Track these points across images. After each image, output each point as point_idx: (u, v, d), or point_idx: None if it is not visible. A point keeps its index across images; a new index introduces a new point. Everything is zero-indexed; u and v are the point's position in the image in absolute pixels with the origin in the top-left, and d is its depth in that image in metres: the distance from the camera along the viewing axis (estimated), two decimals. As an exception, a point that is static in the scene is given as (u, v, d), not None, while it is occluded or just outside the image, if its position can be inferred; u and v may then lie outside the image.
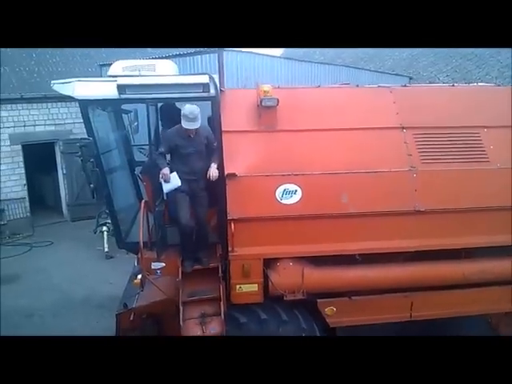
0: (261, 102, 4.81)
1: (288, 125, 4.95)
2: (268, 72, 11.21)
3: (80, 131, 13.59)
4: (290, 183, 4.74)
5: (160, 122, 5.74)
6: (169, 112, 5.49)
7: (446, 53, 17.35)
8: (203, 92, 4.80)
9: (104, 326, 7.45)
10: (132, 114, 6.44)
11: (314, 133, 4.97)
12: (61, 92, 4.76)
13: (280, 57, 13.19)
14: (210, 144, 4.99)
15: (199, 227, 5.09)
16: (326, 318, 5.04)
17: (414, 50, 18.38)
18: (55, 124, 13.17)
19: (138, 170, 6.22)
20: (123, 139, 6.07)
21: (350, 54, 17.76)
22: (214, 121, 4.96)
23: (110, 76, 4.97)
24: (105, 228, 11.34)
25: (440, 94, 5.47)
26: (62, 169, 13.47)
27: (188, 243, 5.07)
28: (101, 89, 4.75)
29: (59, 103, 12.98)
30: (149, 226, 5.03)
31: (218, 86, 4.86)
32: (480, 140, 5.03)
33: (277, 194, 4.72)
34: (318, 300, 5.01)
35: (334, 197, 4.79)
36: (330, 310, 5.03)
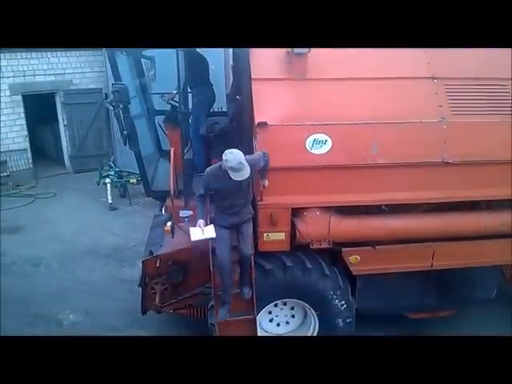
0: (292, 48, 4.70)
1: (319, 73, 4.85)
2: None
3: (80, 81, 13.36)
4: (320, 133, 4.69)
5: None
6: (192, 59, 5.36)
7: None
8: None
9: (109, 274, 7.76)
10: (148, 62, 6.31)
11: (345, 82, 4.90)
12: None
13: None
14: (257, 168, 4.48)
15: (243, 263, 4.68)
16: (349, 266, 5.15)
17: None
18: (55, 74, 12.74)
19: (157, 118, 6.14)
20: (143, 86, 5.95)
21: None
22: (243, 68, 4.85)
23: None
24: (108, 180, 11.38)
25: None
26: (63, 120, 13.22)
27: (225, 284, 4.63)
28: None
29: (59, 52, 12.54)
30: (176, 174, 5.01)
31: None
32: (509, 92, 5.00)
33: (307, 144, 4.69)
34: (343, 249, 5.10)
35: (363, 147, 4.77)
36: (354, 259, 5.13)
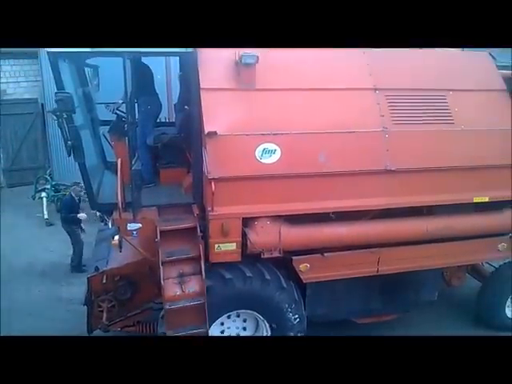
0: (240, 59, 4.74)
1: (267, 84, 4.93)
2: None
3: (14, 91, 12.75)
4: (269, 142, 4.75)
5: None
6: (138, 69, 5.26)
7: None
8: None
9: (46, 293, 7.46)
10: (91, 71, 6.14)
11: (292, 92, 5.00)
12: None
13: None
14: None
15: None
16: (300, 274, 5.20)
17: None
18: (-13, 84, 12.18)
19: (102, 129, 5.97)
20: (87, 96, 5.75)
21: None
22: (191, 78, 4.82)
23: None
24: (44, 194, 10.99)
25: (409, 57, 5.66)
26: (-4, 131, 12.58)
27: None
28: None
29: (-9, 61, 11.99)
30: (123, 186, 4.87)
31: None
32: (446, 102, 5.30)
33: (256, 153, 4.73)
34: (293, 257, 5.15)
35: (311, 156, 4.87)
36: (304, 267, 5.18)
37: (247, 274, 4.92)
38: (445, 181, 5.20)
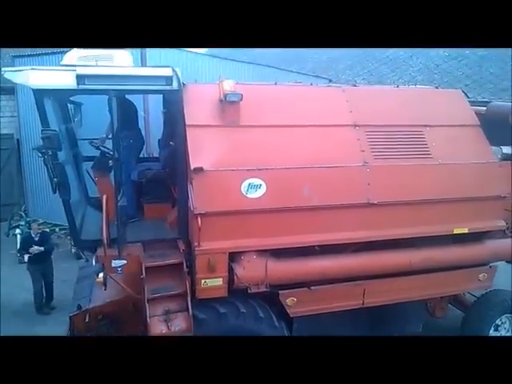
0: (225, 97, 4.85)
1: (251, 120, 5.04)
2: (192, 69, 11.17)
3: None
4: (254, 178, 4.81)
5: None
6: (122, 104, 5.30)
7: (362, 57, 18.41)
8: (166, 85, 4.74)
9: (21, 333, 7.02)
10: (73, 107, 6.15)
11: (276, 129, 5.11)
12: (14, 80, 4.42)
13: (204, 54, 13.10)
14: None
15: None
16: (287, 308, 5.19)
17: (334, 53, 19.25)
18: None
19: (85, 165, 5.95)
20: (69, 132, 5.75)
21: (274, 54, 18.21)
22: (176, 115, 4.89)
23: (65, 65, 4.71)
24: (18, 230, 10.77)
25: (387, 94, 5.89)
26: (-32, 167, 12.34)
27: None
28: (58, 78, 4.48)
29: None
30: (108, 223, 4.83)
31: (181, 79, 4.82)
32: (424, 138, 5.50)
33: (242, 189, 4.78)
34: (280, 291, 5.14)
35: (295, 191, 4.95)
36: (290, 301, 5.19)
37: (221, 311, 4.89)
38: (425, 213, 5.33)
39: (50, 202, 8.46)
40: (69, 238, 10.14)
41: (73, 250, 10.10)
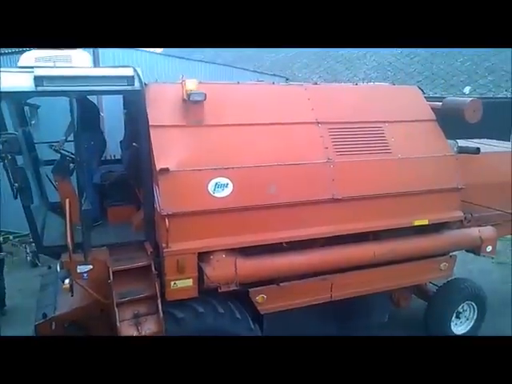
0: (188, 96, 4.82)
1: (215, 119, 5.03)
2: (147, 68, 11.03)
3: None
4: (221, 177, 4.82)
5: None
6: (83, 106, 5.18)
7: (318, 55, 18.72)
8: (128, 85, 4.67)
9: None
10: (29, 110, 5.96)
11: (241, 127, 5.12)
12: None
13: (159, 53, 12.93)
14: None
15: None
16: (257, 305, 5.22)
17: (290, 52, 19.48)
18: None
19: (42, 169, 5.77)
20: (27, 136, 5.55)
21: (230, 53, 18.22)
22: (139, 115, 4.83)
23: (21, 67, 4.55)
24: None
25: (347, 91, 6.01)
26: None
27: None
28: (14, 80, 4.30)
29: None
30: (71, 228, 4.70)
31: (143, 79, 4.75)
32: (383, 133, 5.65)
33: (209, 188, 4.77)
34: (250, 289, 5.17)
35: (262, 188, 4.98)
36: (260, 298, 5.22)
37: (199, 311, 4.87)
38: (387, 206, 5.49)
39: (3, 209, 8.16)
40: (23, 245, 9.82)
41: (28, 258, 9.75)
